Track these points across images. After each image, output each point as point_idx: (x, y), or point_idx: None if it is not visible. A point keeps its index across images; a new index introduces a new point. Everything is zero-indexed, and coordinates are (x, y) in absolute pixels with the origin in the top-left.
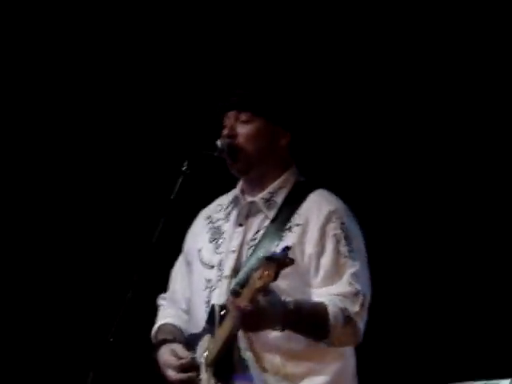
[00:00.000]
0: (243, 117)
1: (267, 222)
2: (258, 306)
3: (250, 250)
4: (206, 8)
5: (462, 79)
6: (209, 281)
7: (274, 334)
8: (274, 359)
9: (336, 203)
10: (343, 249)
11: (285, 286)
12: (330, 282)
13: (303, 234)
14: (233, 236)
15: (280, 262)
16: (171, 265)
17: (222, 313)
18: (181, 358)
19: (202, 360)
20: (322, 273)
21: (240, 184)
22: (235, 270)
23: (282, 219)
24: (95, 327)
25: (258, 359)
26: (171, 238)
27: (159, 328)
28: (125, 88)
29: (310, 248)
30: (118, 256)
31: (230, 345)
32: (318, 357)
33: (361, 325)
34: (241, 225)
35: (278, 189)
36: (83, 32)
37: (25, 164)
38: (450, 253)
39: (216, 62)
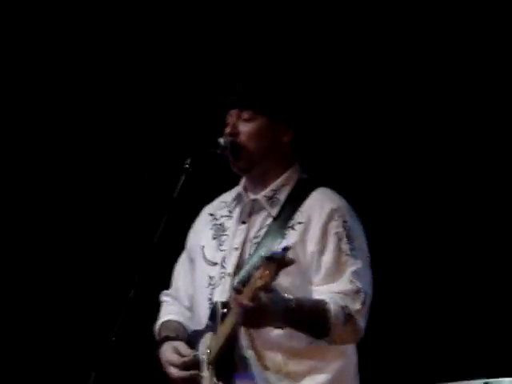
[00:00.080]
0: (245, 115)
1: (270, 220)
2: (260, 304)
3: (253, 248)
4: (208, 6)
5: (463, 78)
6: (211, 278)
7: (275, 332)
8: (275, 357)
9: (338, 201)
10: (345, 247)
11: (287, 283)
12: (332, 279)
13: (305, 231)
14: (236, 233)
15: (280, 261)
16: (173, 263)
17: (224, 310)
18: (183, 356)
19: (204, 358)
20: (323, 270)
21: (243, 181)
22: (238, 268)
23: (284, 217)
24: (97, 326)
25: (260, 357)
26: (174, 235)
27: (162, 324)
28: (128, 86)
29: (311, 246)
30: (120, 255)
31: (231, 343)
32: (319, 355)
33: (362, 323)
34: (244, 222)
35: (280, 186)
36: (83, 31)
37: (27, 161)
38: (450, 251)
39: (218, 60)
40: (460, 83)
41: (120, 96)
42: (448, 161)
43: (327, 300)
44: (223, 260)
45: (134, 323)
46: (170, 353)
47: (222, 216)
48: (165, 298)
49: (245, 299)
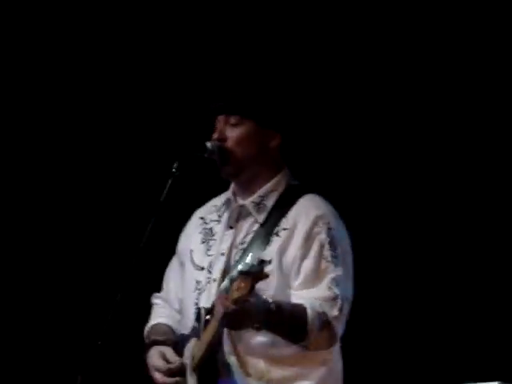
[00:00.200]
0: (232, 120)
1: (257, 226)
2: (242, 305)
3: (239, 254)
4: (196, 14)
5: (455, 84)
6: (198, 282)
7: (258, 339)
8: (257, 364)
9: (324, 208)
10: (327, 253)
11: (268, 286)
12: (311, 285)
13: (289, 238)
14: (223, 239)
15: (255, 276)
16: (161, 267)
17: (208, 317)
18: (169, 362)
19: (188, 363)
20: (302, 275)
21: (232, 186)
22: (224, 273)
23: (270, 223)
24: (84, 330)
25: (242, 364)
26: (161, 240)
27: (152, 328)
28: (116, 90)
29: (294, 250)
30: (106, 259)
31: (213, 349)
32: (302, 362)
33: (338, 329)
34: (231, 227)
35: (268, 192)
36: (78, 39)
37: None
38: (442, 255)
39: (206, 65)
40: (453, 89)
41: (109, 100)
42: (438, 164)
43: (306, 305)
44: (210, 265)
45: (120, 327)
46: (157, 358)
47: (211, 220)
48: (156, 300)
49: (227, 301)
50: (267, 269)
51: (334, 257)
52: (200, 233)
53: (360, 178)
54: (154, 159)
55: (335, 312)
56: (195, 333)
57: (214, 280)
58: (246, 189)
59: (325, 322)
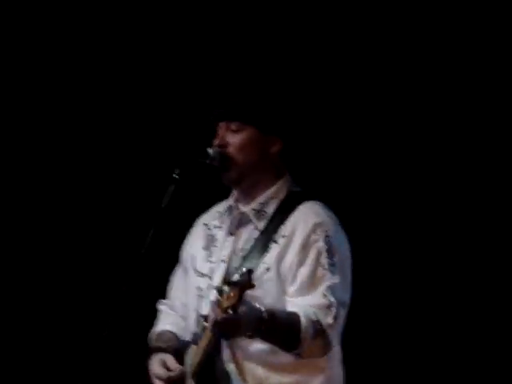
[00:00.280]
0: (233, 126)
1: (257, 233)
2: (232, 314)
3: (239, 261)
4: (197, 21)
5: (456, 87)
6: (199, 289)
7: (257, 346)
8: (256, 371)
9: (323, 216)
10: (324, 261)
11: (264, 294)
12: (306, 292)
13: (287, 245)
14: (224, 245)
15: (242, 286)
16: (162, 273)
17: (206, 324)
18: (169, 370)
19: (188, 370)
20: (298, 283)
21: (234, 192)
22: (225, 280)
23: (270, 230)
24: (84, 337)
25: (241, 371)
26: (163, 246)
27: (156, 334)
28: (119, 97)
29: (291, 257)
30: (108, 265)
31: (210, 356)
32: (302, 369)
33: (333, 337)
34: (232, 234)
35: (269, 199)
36: (81, 45)
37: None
38: (444, 261)
39: (207, 71)
40: (454, 92)
41: (111, 105)
42: (444, 175)
43: (299, 313)
44: (211, 272)
45: (121, 333)
46: (157, 366)
47: (214, 226)
48: (161, 306)
49: (217, 310)
50: (266, 276)
51: (331, 264)
52: (203, 239)
53: (362, 182)
54: (156, 165)
55: (330, 320)
56: (196, 339)
57: (214, 287)
58: (248, 195)
59: (319, 330)
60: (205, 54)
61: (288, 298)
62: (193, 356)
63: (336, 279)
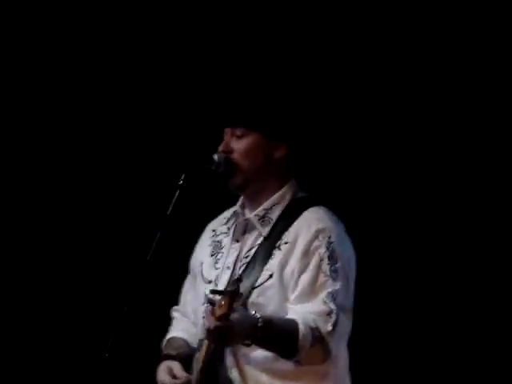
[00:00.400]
0: (237, 132)
1: (261, 240)
2: (226, 322)
3: (243, 268)
4: (201, 28)
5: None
6: (206, 296)
7: (260, 353)
8: (260, 378)
9: (327, 222)
10: (325, 267)
11: (267, 301)
12: (307, 299)
13: (290, 251)
14: (229, 252)
15: (230, 295)
16: (168, 280)
17: None
18: (176, 378)
19: (193, 377)
20: (299, 289)
21: (241, 198)
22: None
23: (274, 237)
24: (90, 344)
25: (244, 378)
26: (168, 252)
27: (167, 341)
28: (123, 102)
29: (293, 264)
30: (113, 271)
31: (212, 364)
32: (305, 376)
33: (332, 344)
34: (238, 241)
35: (273, 205)
36: (84, 50)
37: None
38: (449, 266)
39: (211, 77)
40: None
41: (116, 111)
42: (446, 179)
43: (298, 320)
44: (217, 278)
45: (127, 340)
46: (164, 373)
47: (221, 233)
48: (174, 313)
49: (211, 318)
50: (268, 283)
51: (333, 271)
52: (210, 245)
53: (369, 187)
54: (162, 171)
55: (329, 327)
56: (201, 346)
57: None
58: (253, 201)
59: (318, 338)
60: (209, 60)
61: (289, 305)
62: (196, 363)
63: (337, 285)
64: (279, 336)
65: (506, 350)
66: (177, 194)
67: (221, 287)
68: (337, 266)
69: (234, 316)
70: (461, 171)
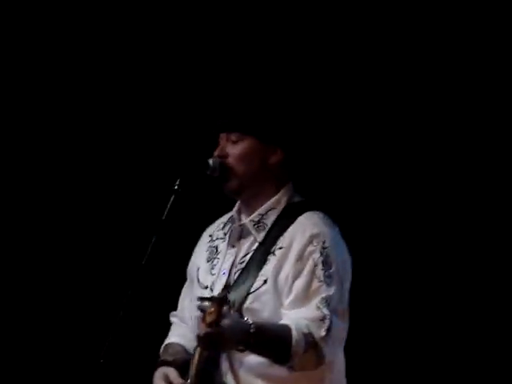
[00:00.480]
0: (233, 137)
1: (256, 245)
2: (217, 329)
3: (238, 274)
4: (197, 32)
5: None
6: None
7: (255, 358)
8: (255, 383)
9: (321, 226)
10: (319, 273)
11: (262, 306)
12: (300, 304)
13: (284, 257)
14: (225, 257)
15: (219, 302)
16: (162, 285)
17: None
18: None
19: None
20: (293, 295)
21: (237, 204)
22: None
23: (269, 242)
24: (85, 349)
25: (239, 383)
26: (163, 258)
27: (164, 347)
28: (119, 106)
29: (287, 269)
30: (108, 276)
31: (207, 370)
32: (302, 381)
33: (326, 350)
34: (233, 246)
35: (268, 210)
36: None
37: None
38: (447, 270)
39: (207, 81)
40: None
41: (111, 115)
42: (445, 184)
43: (291, 326)
44: (212, 284)
45: (122, 345)
46: (160, 380)
47: (218, 238)
48: (173, 319)
49: (202, 324)
50: (263, 288)
51: (327, 276)
52: (207, 251)
53: (367, 191)
54: (157, 176)
55: (322, 333)
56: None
57: None
58: (249, 206)
59: (311, 343)
60: (205, 65)
61: (283, 311)
62: (191, 370)
63: (331, 291)
64: (272, 342)
65: (506, 350)
66: (172, 198)
67: (216, 293)
68: (331, 271)
69: (226, 322)
70: (457, 177)
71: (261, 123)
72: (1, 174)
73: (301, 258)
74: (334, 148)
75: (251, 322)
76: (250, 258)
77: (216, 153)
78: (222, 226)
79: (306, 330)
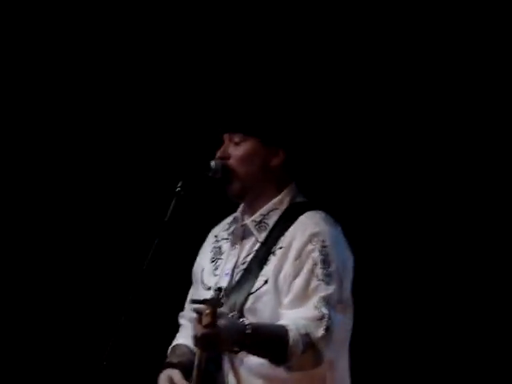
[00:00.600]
0: (235, 138)
1: (258, 246)
2: (213, 329)
3: (240, 274)
4: (199, 35)
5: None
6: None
7: (256, 360)
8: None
9: (322, 225)
10: (319, 272)
11: (263, 307)
12: (299, 304)
13: (284, 256)
14: (228, 258)
15: (213, 303)
16: (165, 288)
17: None
18: None
19: None
20: (292, 294)
21: (242, 204)
22: (228, 294)
23: (270, 242)
24: (88, 352)
25: (240, 383)
26: (165, 260)
27: (172, 348)
28: (121, 108)
29: (287, 268)
30: (110, 279)
31: (208, 371)
32: (304, 381)
33: (325, 349)
34: (236, 247)
35: (270, 210)
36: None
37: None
38: (449, 271)
39: (209, 83)
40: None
41: (113, 117)
42: (446, 184)
43: (289, 326)
44: (215, 285)
45: (125, 349)
46: (164, 382)
47: (222, 238)
48: (181, 320)
49: (198, 326)
50: (264, 289)
51: (327, 275)
52: (211, 251)
53: (369, 191)
54: (159, 178)
55: (320, 332)
56: None
57: None
58: (252, 207)
59: (308, 344)
60: (207, 66)
61: (282, 310)
62: (193, 371)
63: (331, 289)
64: (268, 342)
65: (506, 350)
66: (174, 201)
67: (216, 294)
68: (330, 269)
69: (222, 323)
70: (459, 177)
71: (264, 125)
72: (4, 177)
73: (300, 257)
74: (336, 149)
75: (247, 322)
76: (252, 259)
77: (218, 154)
78: (227, 226)
79: (303, 331)
